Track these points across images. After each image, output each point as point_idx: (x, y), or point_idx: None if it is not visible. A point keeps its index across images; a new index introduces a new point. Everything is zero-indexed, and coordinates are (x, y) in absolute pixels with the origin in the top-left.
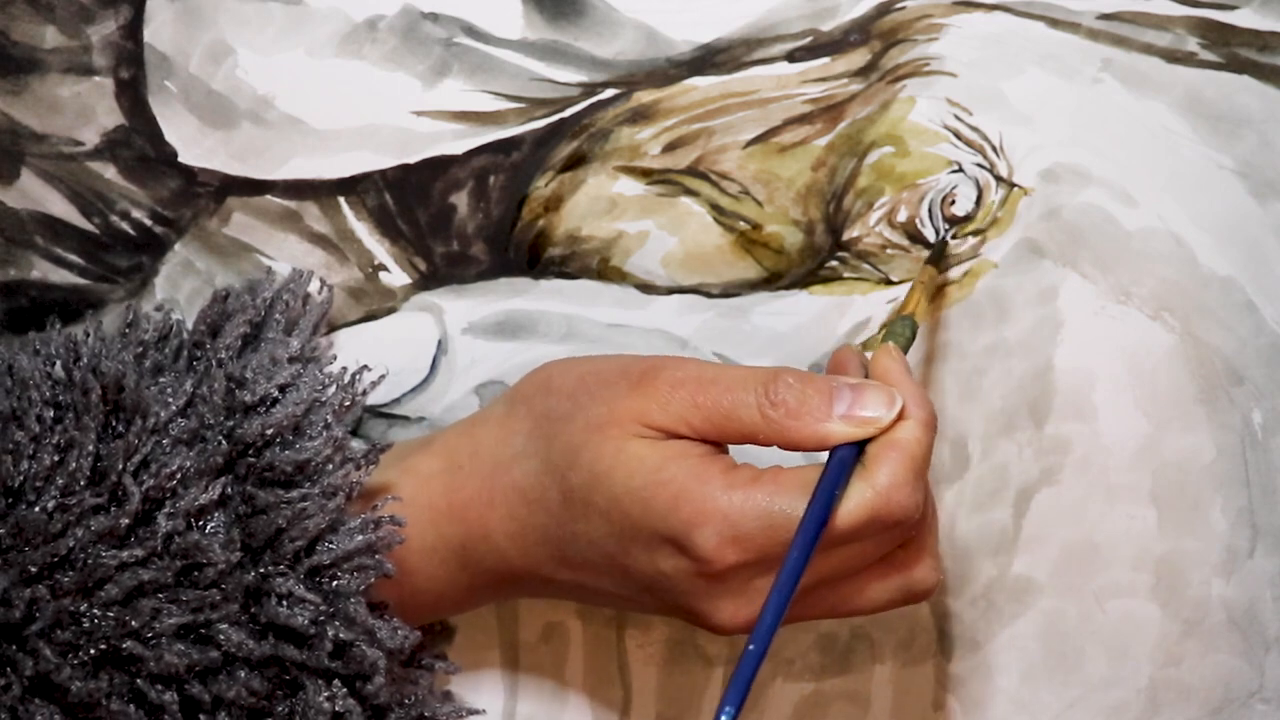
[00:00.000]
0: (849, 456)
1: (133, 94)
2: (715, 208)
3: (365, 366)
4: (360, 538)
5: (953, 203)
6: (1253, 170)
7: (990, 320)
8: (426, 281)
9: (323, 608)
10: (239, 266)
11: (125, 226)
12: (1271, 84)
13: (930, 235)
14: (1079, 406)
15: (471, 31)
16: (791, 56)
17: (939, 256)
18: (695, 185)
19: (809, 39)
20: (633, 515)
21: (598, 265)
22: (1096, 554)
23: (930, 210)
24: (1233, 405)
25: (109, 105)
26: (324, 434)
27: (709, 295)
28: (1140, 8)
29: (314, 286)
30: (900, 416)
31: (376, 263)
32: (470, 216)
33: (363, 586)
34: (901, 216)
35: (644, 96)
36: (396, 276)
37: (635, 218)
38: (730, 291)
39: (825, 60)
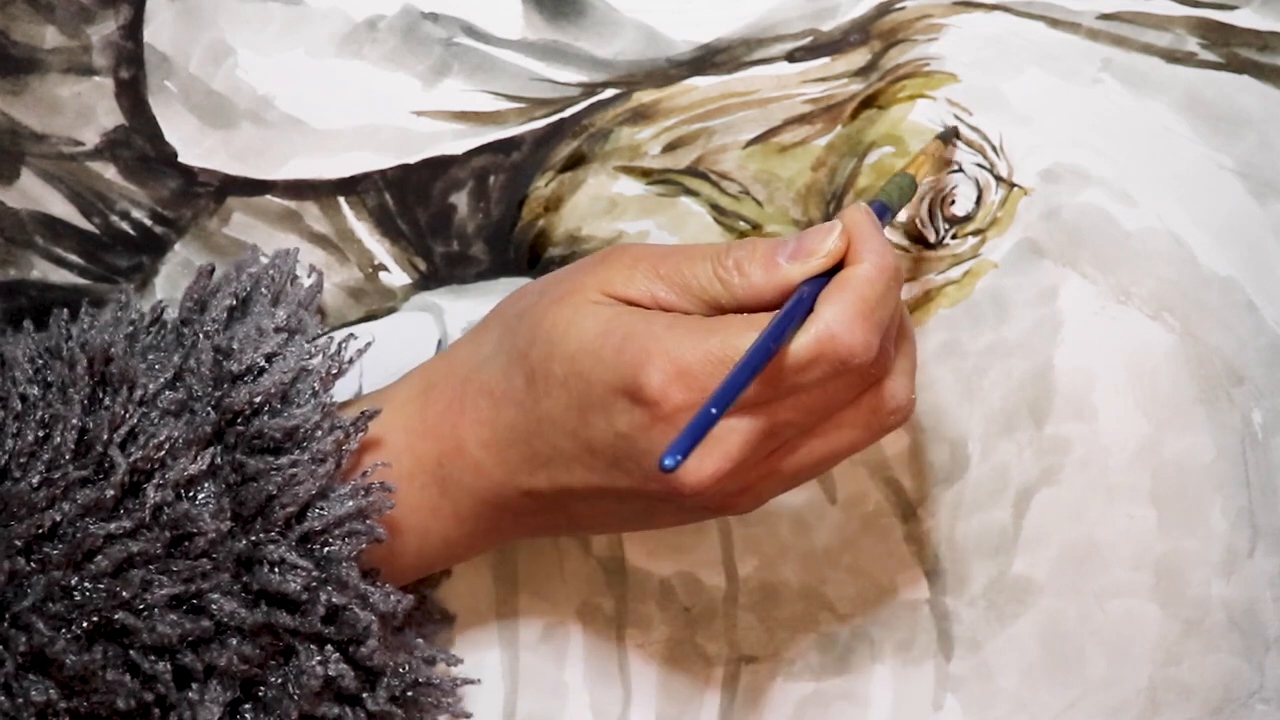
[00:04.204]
0: (805, 295)
1: (133, 94)
2: (715, 208)
3: (351, 334)
4: (351, 503)
5: (953, 203)
6: (1253, 170)
7: (990, 320)
8: (426, 281)
9: (315, 573)
10: None
11: (125, 226)
12: (1271, 84)
13: (930, 235)
14: (1079, 406)
15: (471, 31)
16: (791, 56)
17: (950, 137)
18: (695, 185)
19: (809, 39)
20: (586, 372)
21: None
22: (1096, 554)
23: (930, 210)
24: (1233, 405)
25: (109, 105)
26: (311, 401)
27: None
28: (1140, 8)
29: (302, 270)
30: (852, 260)
31: (376, 263)
32: (470, 216)
33: (354, 552)
34: (901, 216)
35: (644, 96)
36: (396, 276)
37: (635, 218)
38: None
39: (825, 60)
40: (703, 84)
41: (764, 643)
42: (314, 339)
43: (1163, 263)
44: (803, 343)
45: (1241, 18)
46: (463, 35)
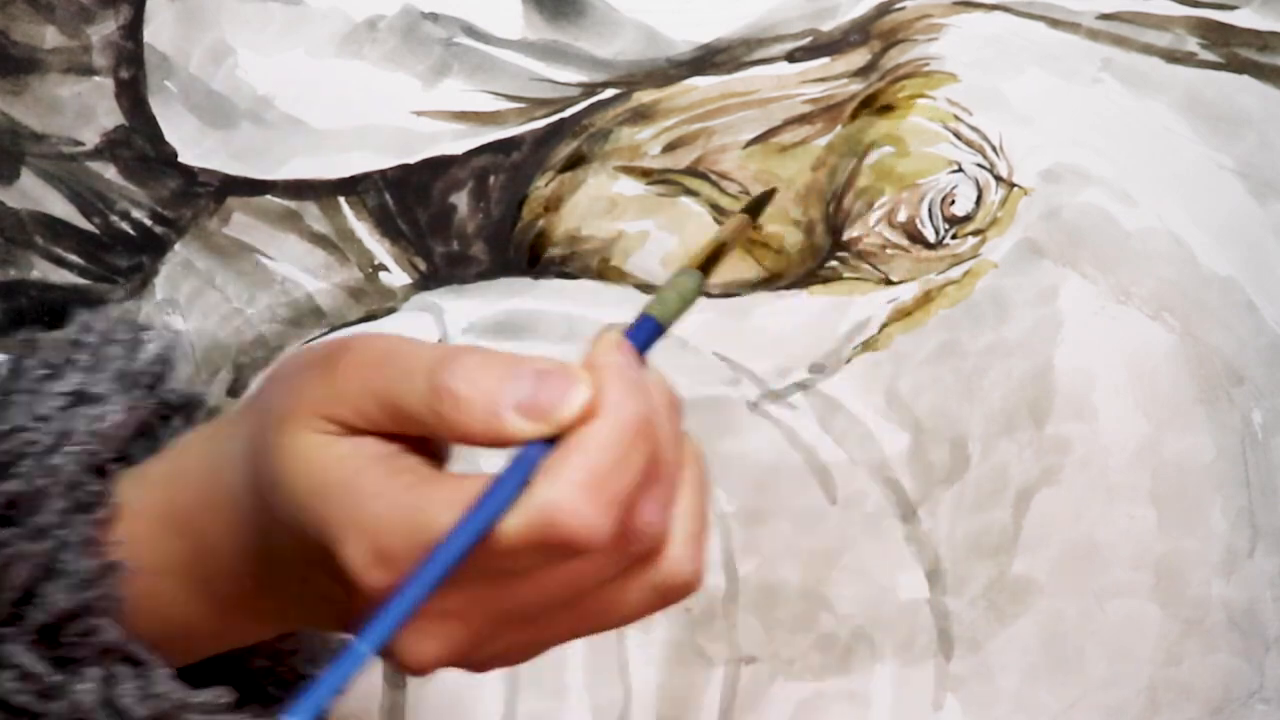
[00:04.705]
0: (532, 457)
1: (133, 94)
2: (715, 208)
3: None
4: (82, 594)
5: (953, 203)
6: (1253, 170)
7: (990, 320)
8: (426, 281)
9: (54, 678)
10: (239, 266)
11: (125, 226)
12: (1271, 84)
13: (930, 235)
14: (1079, 406)
15: (471, 31)
16: (791, 56)
17: (761, 206)
18: (695, 185)
19: (809, 39)
20: (302, 524)
21: (598, 265)
22: (1096, 554)
23: (930, 210)
24: (1233, 405)
25: (109, 105)
26: (32, 468)
27: (709, 295)
28: (1140, 8)
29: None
30: (589, 411)
31: (376, 263)
32: (470, 216)
33: (91, 651)
34: (901, 216)
35: (644, 96)
36: (396, 276)
37: (635, 218)
38: (730, 291)
39: (825, 60)
40: (703, 84)
41: (764, 643)
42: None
43: (1163, 263)
44: (514, 526)
45: (1241, 18)
46: (463, 35)
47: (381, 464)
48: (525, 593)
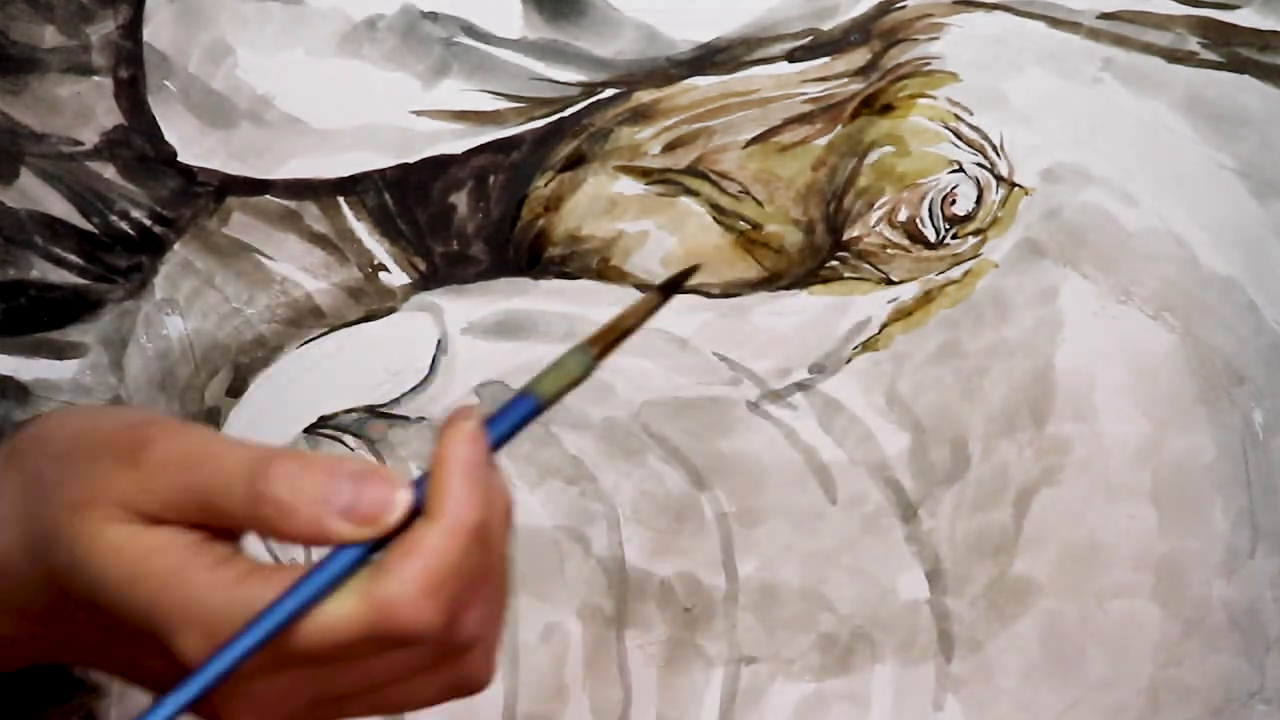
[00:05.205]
0: (352, 557)
1: (132, 94)
2: (715, 207)
3: None
4: None
5: (953, 202)
6: (1254, 170)
7: (990, 320)
8: (426, 281)
9: None
10: (238, 266)
11: (125, 226)
12: (1272, 84)
13: (931, 235)
14: (1079, 406)
15: (471, 31)
16: (791, 56)
17: (677, 285)
18: (695, 185)
19: (809, 38)
20: (115, 607)
21: (598, 265)
22: (1097, 554)
23: (931, 210)
24: (1233, 405)
25: (108, 105)
26: None
27: (709, 295)
28: (1141, 7)
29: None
30: (430, 509)
31: (376, 263)
32: (470, 216)
33: None
34: (902, 216)
35: (644, 96)
36: (396, 276)
37: (635, 218)
38: (730, 291)
39: (825, 60)
40: (703, 84)
41: (764, 643)
42: None
43: (1163, 263)
44: (357, 614)
45: (1242, 17)
46: (462, 35)
47: (200, 554)
48: (347, 677)
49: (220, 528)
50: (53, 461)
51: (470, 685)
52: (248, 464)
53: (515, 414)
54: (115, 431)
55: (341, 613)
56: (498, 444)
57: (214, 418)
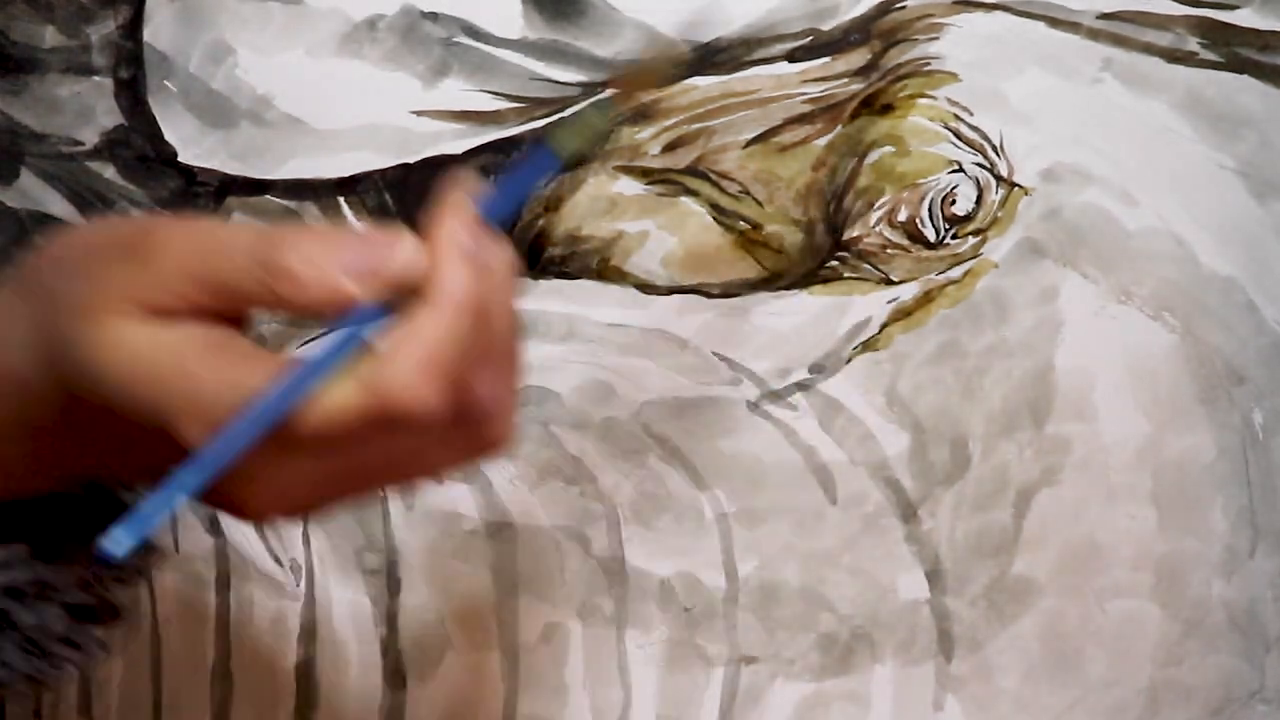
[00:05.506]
0: (352, 339)
1: (132, 94)
2: (715, 207)
3: None
4: None
5: (953, 202)
6: (1253, 170)
7: (990, 320)
8: None
9: None
10: None
11: None
12: (1272, 84)
13: (931, 235)
14: (1079, 406)
15: (471, 31)
16: (791, 56)
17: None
18: (695, 185)
19: (809, 38)
20: (126, 406)
21: (598, 265)
22: (1097, 554)
23: (930, 210)
24: (1233, 405)
25: (108, 105)
26: None
27: (709, 295)
28: (1141, 7)
29: None
30: (429, 287)
31: None
32: None
33: None
34: (902, 216)
35: (644, 96)
36: None
37: (635, 218)
38: (730, 291)
39: (825, 60)
40: (703, 84)
41: (764, 643)
42: None
43: (1163, 263)
44: (353, 399)
45: (1242, 17)
46: (462, 35)
47: (208, 344)
48: (358, 457)
49: (232, 315)
50: (62, 274)
51: (489, 451)
52: (256, 242)
53: (533, 171)
54: (121, 235)
55: (340, 397)
56: (517, 202)
57: None
